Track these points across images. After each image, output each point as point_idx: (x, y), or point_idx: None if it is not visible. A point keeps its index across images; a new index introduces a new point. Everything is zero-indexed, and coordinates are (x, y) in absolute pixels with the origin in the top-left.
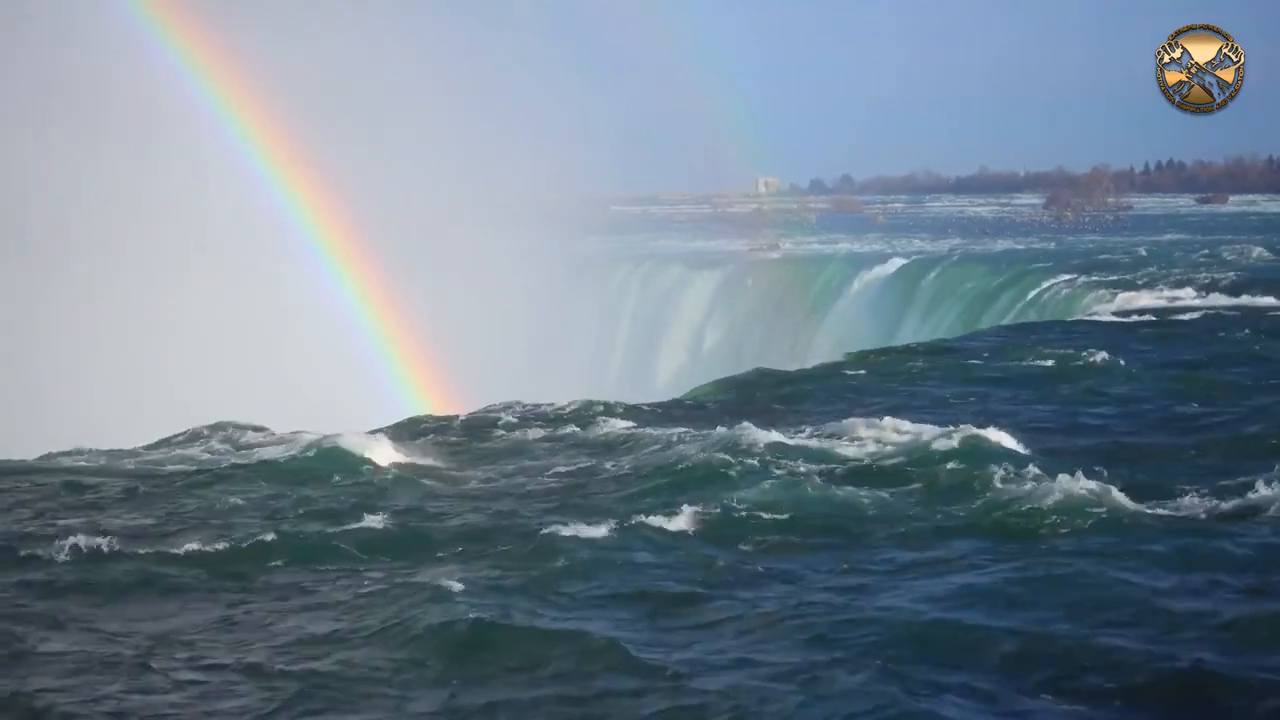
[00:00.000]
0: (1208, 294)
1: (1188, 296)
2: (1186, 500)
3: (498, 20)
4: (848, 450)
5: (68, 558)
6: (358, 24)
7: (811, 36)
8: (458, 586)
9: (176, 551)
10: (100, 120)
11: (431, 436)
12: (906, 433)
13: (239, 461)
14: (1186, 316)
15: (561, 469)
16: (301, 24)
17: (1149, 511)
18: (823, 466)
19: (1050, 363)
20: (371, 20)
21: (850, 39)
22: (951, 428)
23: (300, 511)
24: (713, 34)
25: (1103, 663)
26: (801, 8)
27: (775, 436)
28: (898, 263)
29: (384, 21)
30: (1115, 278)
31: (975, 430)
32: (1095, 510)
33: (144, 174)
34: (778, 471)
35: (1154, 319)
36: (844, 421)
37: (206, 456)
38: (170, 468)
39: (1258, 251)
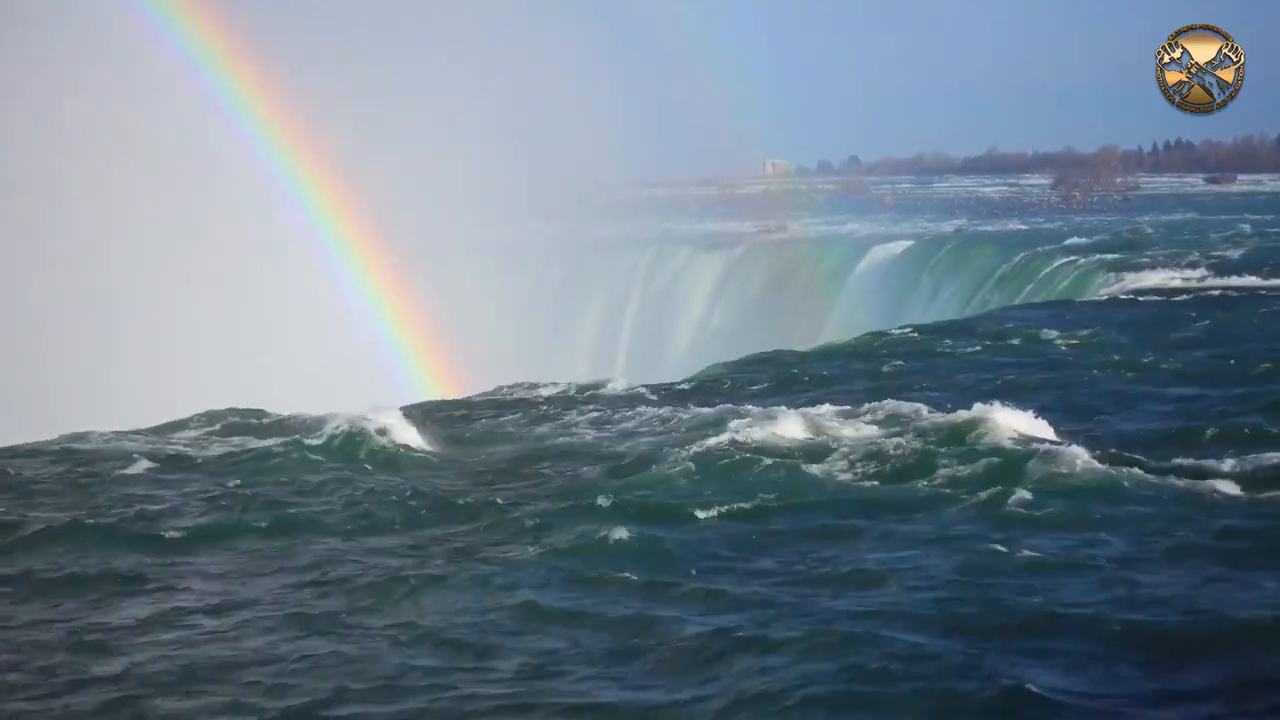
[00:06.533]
0: (1216, 274)
1: (1196, 277)
2: (1191, 482)
3: (502, 9)
4: (856, 431)
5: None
6: (366, 23)
7: (819, 18)
8: (475, 564)
9: (205, 524)
10: (117, 112)
11: (444, 418)
12: (914, 413)
13: (250, 446)
14: (1194, 297)
15: (570, 450)
16: (317, 24)
17: (1156, 493)
18: (831, 447)
19: (1058, 343)
20: (380, 20)
21: (858, 21)
22: (959, 409)
23: (313, 491)
24: (719, 16)
25: (1114, 645)
26: None
27: (783, 417)
28: (905, 243)
29: (390, 20)
30: (1123, 258)
31: (983, 411)
32: (1103, 492)
33: (157, 162)
34: (785, 453)
35: (1162, 299)
36: (852, 402)
37: (218, 441)
38: (185, 450)
39: (1264, 231)
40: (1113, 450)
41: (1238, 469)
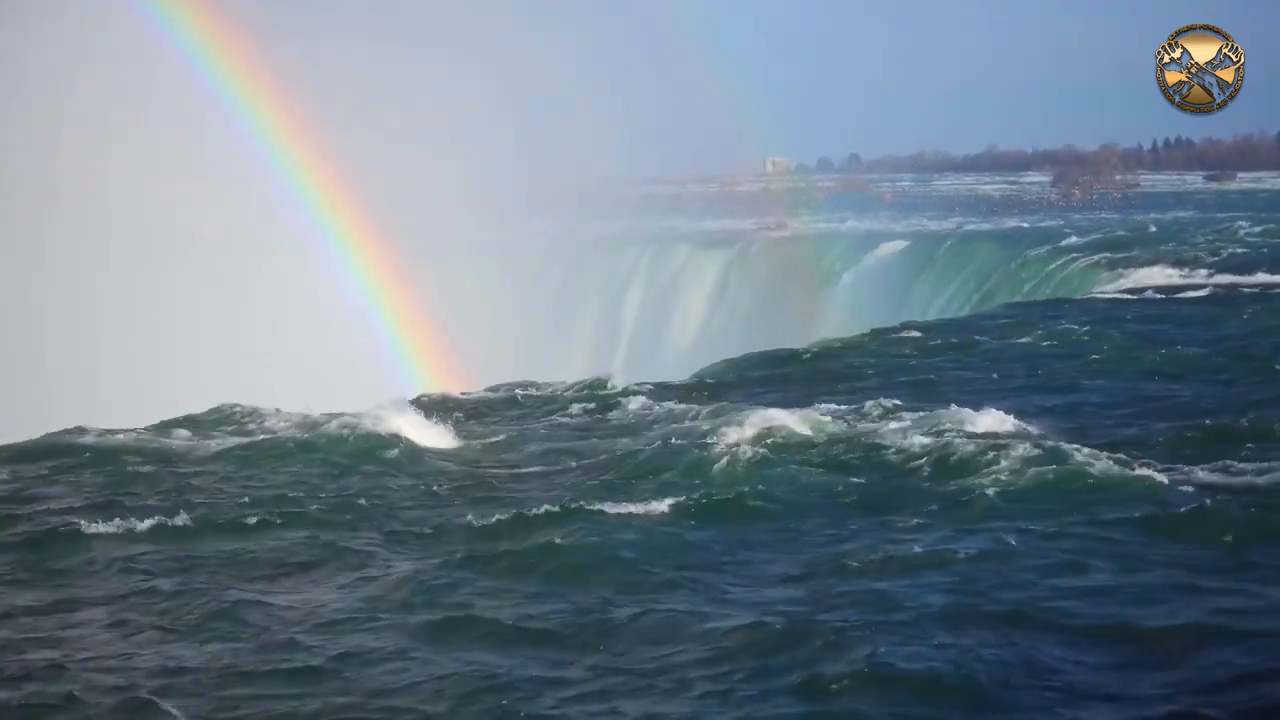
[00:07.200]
0: (1214, 272)
1: (1194, 274)
2: (1189, 478)
3: (502, 9)
4: (853, 429)
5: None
6: (366, 23)
7: (819, 17)
8: (467, 559)
9: (192, 524)
10: (117, 112)
11: (440, 414)
12: (912, 411)
13: (252, 441)
14: (1193, 294)
15: (566, 448)
16: (316, 24)
17: (1153, 490)
18: (829, 446)
19: (1057, 341)
20: (380, 20)
21: (858, 19)
22: (955, 407)
23: (311, 487)
24: (719, 16)
25: (1109, 638)
26: None
27: (782, 416)
28: (905, 241)
29: (390, 20)
30: (1123, 255)
31: (979, 410)
32: (1098, 490)
33: (157, 163)
34: (783, 451)
35: (1161, 297)
36: (850, 401)
37: (218, 437)
38: (184, 447)
39: (1263, 229)
40: (1083, 448)
41: (1210, 471)
